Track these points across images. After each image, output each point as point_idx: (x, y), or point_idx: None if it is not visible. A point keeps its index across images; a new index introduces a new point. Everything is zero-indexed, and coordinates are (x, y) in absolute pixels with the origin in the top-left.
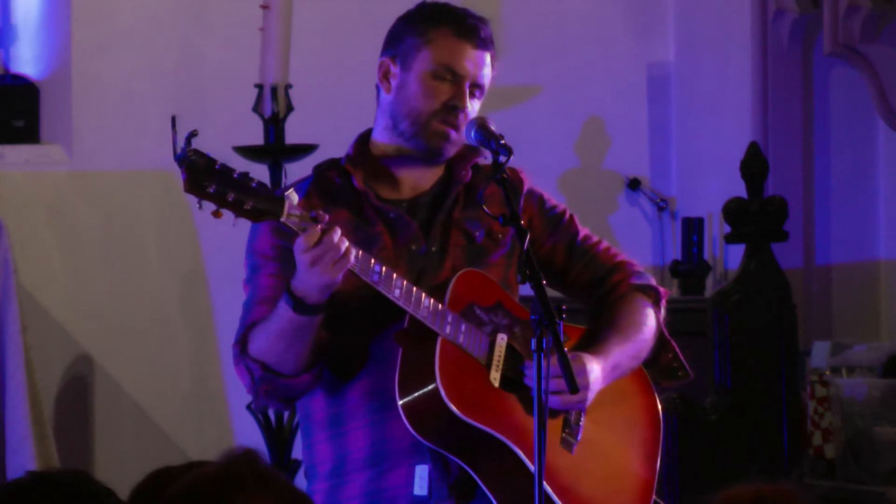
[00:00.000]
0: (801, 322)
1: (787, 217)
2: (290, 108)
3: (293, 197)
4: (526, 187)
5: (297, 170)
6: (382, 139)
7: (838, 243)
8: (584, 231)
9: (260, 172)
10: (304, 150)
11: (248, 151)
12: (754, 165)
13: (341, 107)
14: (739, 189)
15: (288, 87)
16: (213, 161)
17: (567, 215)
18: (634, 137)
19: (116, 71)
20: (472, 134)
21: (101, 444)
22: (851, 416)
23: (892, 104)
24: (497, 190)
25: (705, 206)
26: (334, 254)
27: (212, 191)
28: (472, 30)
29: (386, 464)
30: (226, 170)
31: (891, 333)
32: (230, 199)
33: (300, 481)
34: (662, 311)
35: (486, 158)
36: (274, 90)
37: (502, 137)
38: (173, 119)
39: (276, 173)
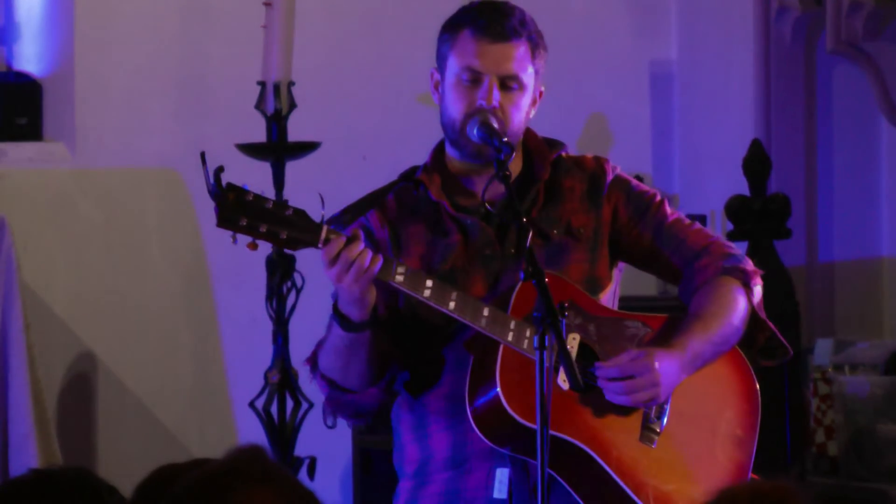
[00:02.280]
0: (804, 319)
1: (790, 214)
2: (292, 106)
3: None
4: (610, 177)
5: (300, 167)
6: (447, 149)
7: (841, 240)
8: (675, 215)
9: (262, 170)
10: (307, 147)
11: (250, 149)
12: (757, 163)
13: (344, 104)
14: (742, 186)
15: (291, 84)
16: (246, 193)
17: (657, 200)
18: (637, 135)
19: (119, 68)
20: (474, 131)
21: (104, 442)
22: (854, 413)
23: (895, 101)
24: (578, 184)
25: (708, 203)
26: (357, 268)
27: (243, 224)
28: (489, 24)
29: (466, 465)
30: (258, 200)
31: (893, 331)
32: (262, 231)
33: (302, 479)
34: (756, 291)
35: (567, 151)
36: (277, 87)
37: (505, 134)
38: (202, 155)
39: (278, 171)
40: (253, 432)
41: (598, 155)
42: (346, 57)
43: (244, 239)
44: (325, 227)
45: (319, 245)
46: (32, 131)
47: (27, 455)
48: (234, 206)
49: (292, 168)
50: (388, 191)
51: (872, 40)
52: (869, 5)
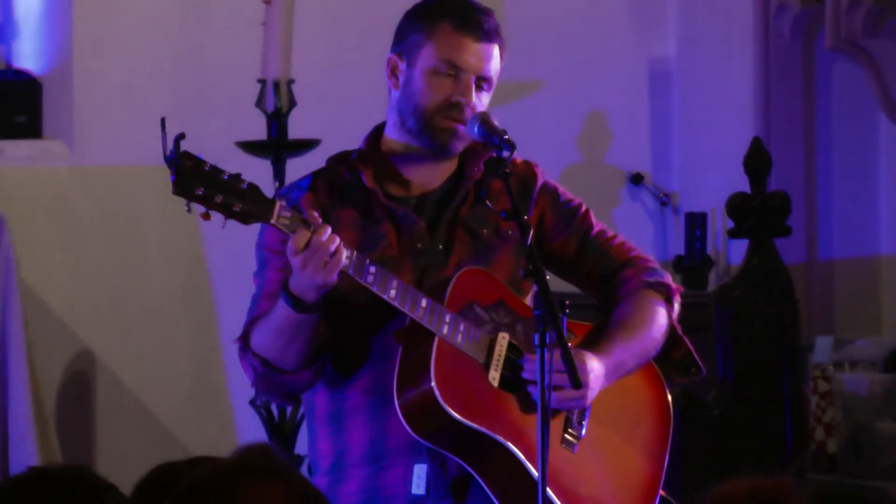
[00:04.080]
0: (804, 317)
1: (790, 212)
2: (292, 104)
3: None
4: (540, 181)
5: (300, 165)
6: (392, 136)
7: (840, 238)
8: (599, 226)
9: (262, 167)
10: (307, 145)
11: (250, 147)
12: (757, 160)
13: (344, 102)
14: (742, 184)
15: (290, 82)
16: (203, 163)
17: (582, 210)
18: (636, 132)
19: (118, 66)
20: (475, 129)
21: (102, 440)
22: (853, 411)
23: (894, 98)
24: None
25: (708, 201)
26: (323, 255)
27: (199, 193)
28: (474, 22)
29: (384, 461)
30: (215, 171)
31: (893, 328)
32: (217, 202)
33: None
34: (676, 307)
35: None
36: (276, 85)
37: (505, 133)
38: (162, 120)
39: (278, 168)
40: (253, 431)
41: (528, 159)
42: (346, 54)
43: (198, 208)
44: (277, 203)
45: (272, 221)
46: (31, 129)
47: (27, 453)
48: (191, 175)
49: (292, 165)
50: (320, 174)
51: (871, 37)
52: (868, 2)
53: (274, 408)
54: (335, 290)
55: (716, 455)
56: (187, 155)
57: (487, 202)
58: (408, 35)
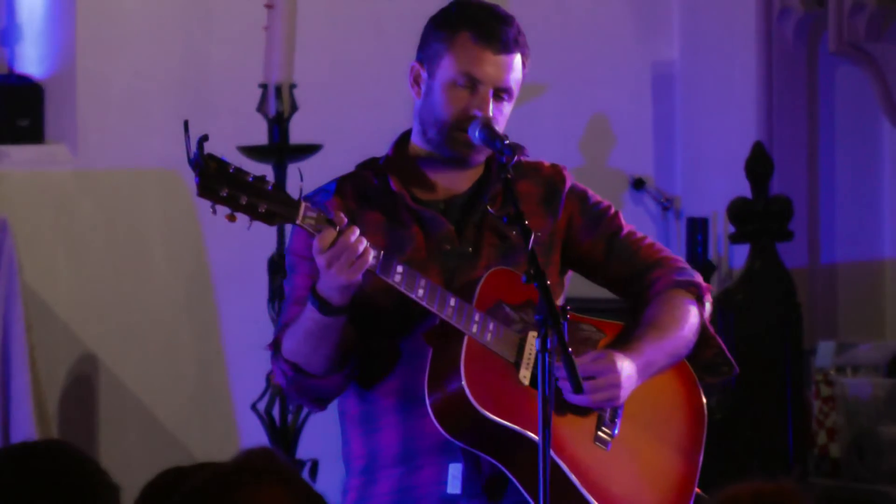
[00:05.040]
0: (806, 321)
1: (792, 216)
2: (294, 108)
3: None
4: (568, 185)
5: (302, 169)
6: (417, 142)
7: (843, 242)
8: (628, 227)
9: (264, 172)
10: (309, 149)
11: (252, 151)
12: (759, 165)
13: (346, 106)
14: (744, 188)
15: (292, 86)
16: (227, 165)
17: (611, 212)
18: (639, 136)
19: (121, 70)
20: (477, 134)
21: (105, 443)
22: (856, 415)
23: None
24: (534, 189)
25: (710, 205)
26: (350, 255)
27: (224, 195)
28: (493, 33)
29: (416, 462)
30: (239, 173)
31: (895, 332)
32: (243, 203)
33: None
34: (707, 306)
35: (527, 156)
36: (278, 90)
37: (507, 137)
38: (185, 123)
39: (280, 173)
40: (255, 435)
41: (556, 163)
42: (348, 59)
43: (223, 210)
44: (303, 204)
45: (297, 221)
46: (34, 133)
47: None
48: (215, 176)
49: (294, 170)
50: (347, 179)
51: (874, 41)
52: (871, 6)
53: (276, 412)
54: (364, 294)
55: (718, 459)
56: (211, 157)
57: (489, 208)
58: (430, 43)
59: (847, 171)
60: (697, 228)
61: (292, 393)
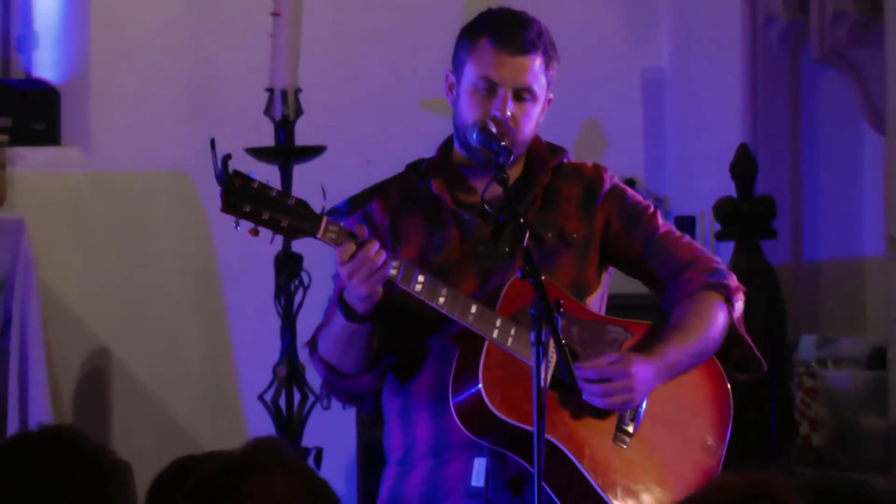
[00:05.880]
0: (790, 316)
1: (776, 215)
2: (299, 112)
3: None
4: (607, 185)
5: (307, 170)
6: (456, 147)
7: (825, 240)
8: (665, 227)
9: (271, 173)
10: (313, 151)
11: (259, 153)
12: (744, 166)
13: (348, 110)
14: (730, 189)
15: (297, 91)
16: (251, 181)
17: (649, 211)
18: (630, 139)
19: (133, 76)
20: (474, 136)
21: (118, 433)
22: (838, 406)
23: (877, 108)
24: (575, 191)
25: (698, 205)
26: (370, 267)
27: (247, 210)
28: (510, 36)
29: (446, 455)
30: (263, 189)
31: (876, 327)
32: (265, 218)
33: None
34: (737, 307)
35: (569, 159)
36: (284, 94)
37: (503, 139)
38: (212, 142)
39: (286, 174)
40: (262, 424)
41: (598, 163)
42: (351, 65)
43: (246, 225)
44: (324, 219)
45: (318, 235)
46: (50, 136)
47: None
48: (239, 192)
49: (299, 171)
50: (393, 181)
51: (855, 48)
52: (852, 15)
53: (282, 403)
54: (399, 297)
55: None
56: (237, 174)
57: (486, 207)
58: (457, 52)
59: (829, 173)
60: (686, 227)
61: (327, 390)
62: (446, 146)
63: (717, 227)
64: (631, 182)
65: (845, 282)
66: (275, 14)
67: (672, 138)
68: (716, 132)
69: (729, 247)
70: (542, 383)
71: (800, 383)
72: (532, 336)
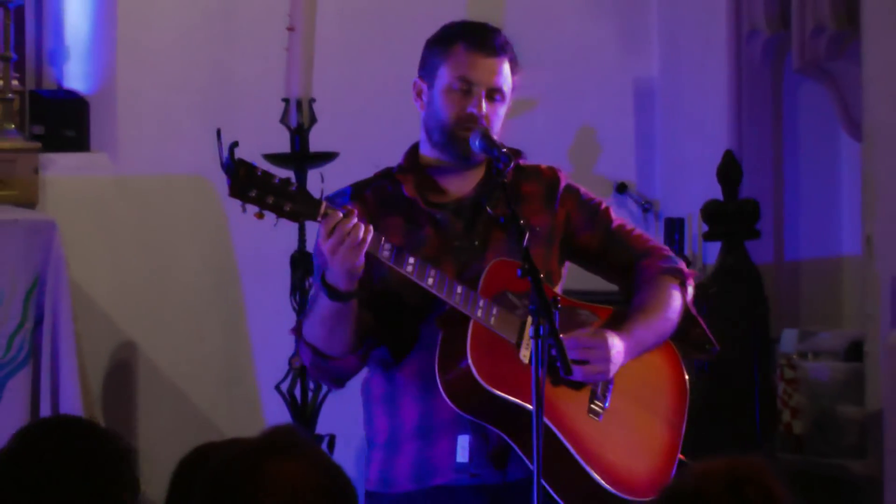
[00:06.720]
0: (772, 312)
1: (760, 217)
2: (313, 120)
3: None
4: (563, 184)
5: (320, 175)
6: (425, 151)
7: (805, 241)
8: (618, 220)
9: (287, 177)
10: (327, 157)
11: (275, 158)
12: (730, 171)
13: (359, 118)
14: (716, 192)
15: (311, 100)
16: (255, 168)
17: (602, 206)
18: (622, 146)
19: (157, 87)
20: (477, 143)
21: (143, 422)
22: (817, 396)
23: (854, 116)
24: (537, 188)
25: (686, 207)
26: (352, 239)
27: (252, 195)
28: (483, 40)
29: (432, 435)
30: (266, 176)
31: (852, 322)
32: (269, 202)
33: None
34: (689, 290)
35: (525, 159)
36: (299, 103)
37: (503, 146)
38: (218, 132)
39: (300, 178)
40: (278, 413)
41: (552, 165)
42: (361, 76)
43: (252, 209)
44: (323, 203)
45: (318, 218)
46: (79, 143)
47: None
48: (245, 179)
49: (313, 175)
50: (366, 186)
51: (834, 60)
52: (830, 29)
53: (297, 392)
54: (388, 287)
55: (692, 436)
56: (241, 162)
57: (488, 209)
58: (428, 60)
59: (809, 177)
60: (675, 228)
61: (313, 373)
62: (412, 152)
63: (705, 228)
64: (623, 186)
65: (824, 279)
66: (290, 29)
67: (662, 144)
68: (703, 139)
69: (715, 247)
70: (541, 373)
71: (782, 374)
72: (531, 330)
